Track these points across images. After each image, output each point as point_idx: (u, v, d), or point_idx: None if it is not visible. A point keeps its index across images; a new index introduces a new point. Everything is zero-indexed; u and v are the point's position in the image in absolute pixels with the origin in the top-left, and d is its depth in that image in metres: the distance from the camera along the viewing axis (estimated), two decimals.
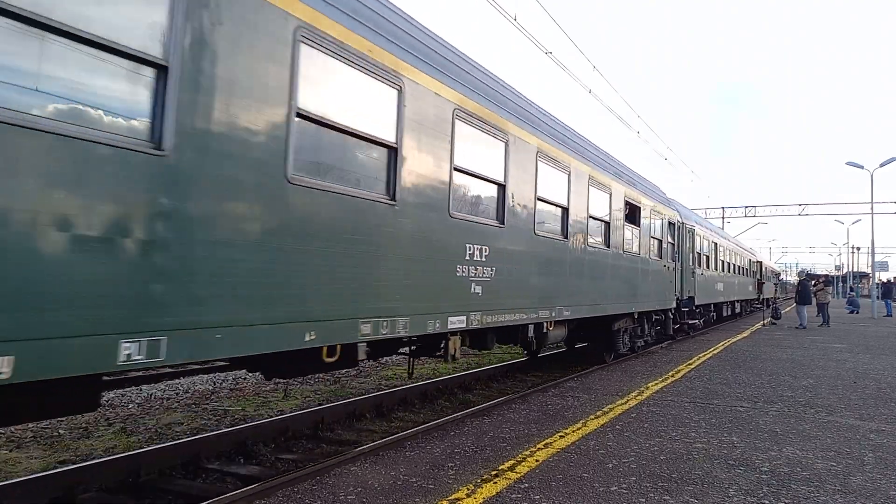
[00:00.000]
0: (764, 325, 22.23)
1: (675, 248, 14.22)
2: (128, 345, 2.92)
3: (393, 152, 4.84)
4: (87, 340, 2.77)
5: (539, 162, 7.33)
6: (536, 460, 4.89)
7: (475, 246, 5.96)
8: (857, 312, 32.80)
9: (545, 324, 7.64)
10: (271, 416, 6.84)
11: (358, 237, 4.47)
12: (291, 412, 6.96)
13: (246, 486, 4.33)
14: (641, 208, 11.40)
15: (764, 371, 10.24)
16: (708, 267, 17.88)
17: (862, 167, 29.69)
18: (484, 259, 6.08)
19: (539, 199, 7.31)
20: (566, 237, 8.08)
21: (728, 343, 15.21)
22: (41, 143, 2.60)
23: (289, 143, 3.89)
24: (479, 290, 6.00)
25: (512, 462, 4.84)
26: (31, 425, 6.48)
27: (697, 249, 16.46)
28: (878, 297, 31.24)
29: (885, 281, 35.23)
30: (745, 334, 18.14)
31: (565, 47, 61.07)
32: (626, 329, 11.29)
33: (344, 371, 10.29)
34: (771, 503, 4.08)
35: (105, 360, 2.84)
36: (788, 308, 36.66)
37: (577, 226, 8.41)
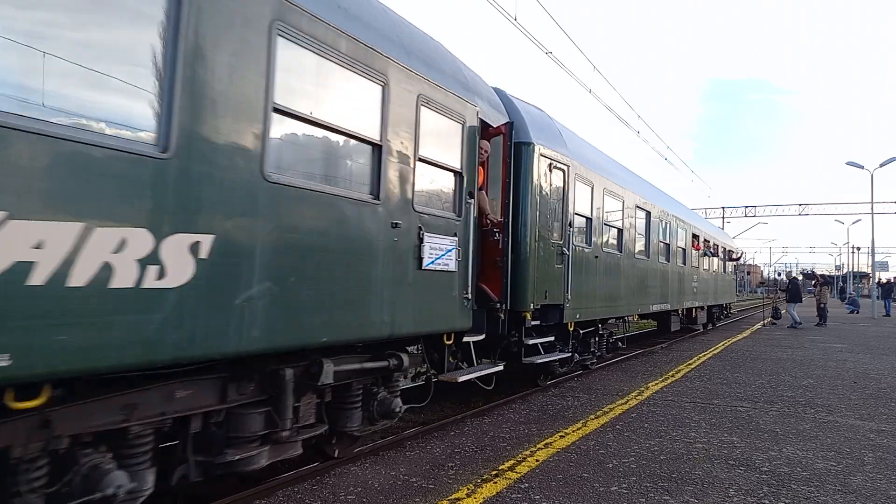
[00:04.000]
0: (764, 325, 22.25)
1: None
2: None
3: None
4: None
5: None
6: (536, 460, 4.89)
7: None
8: (858, 312, 32.80)
9: None
10: None
11: None
12: None
13: (246, 486, 4.33)
14: None
15: (764, 371, 10.24)
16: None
17: (862, 167, 29.69)
18: None
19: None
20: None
21: (728, 343, 15.21)
22: None
23: None
24: None
25: (512, 462, 4.85)
26: None
27: None
28: (878, 297, 31.25)
29: (885, 281, 35.21)
30: (745, 334, 18.14)
31: (565, 47, 61.12)
32: None
33: None
34: (771, 503, 4.08)
35: None
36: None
37: None
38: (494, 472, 4.57)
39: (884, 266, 65.68)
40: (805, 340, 16.16)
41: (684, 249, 14.92)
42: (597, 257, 9.04)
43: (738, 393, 8.13)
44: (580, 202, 8.54)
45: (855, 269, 69.66)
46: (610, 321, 10.23)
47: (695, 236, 16.21)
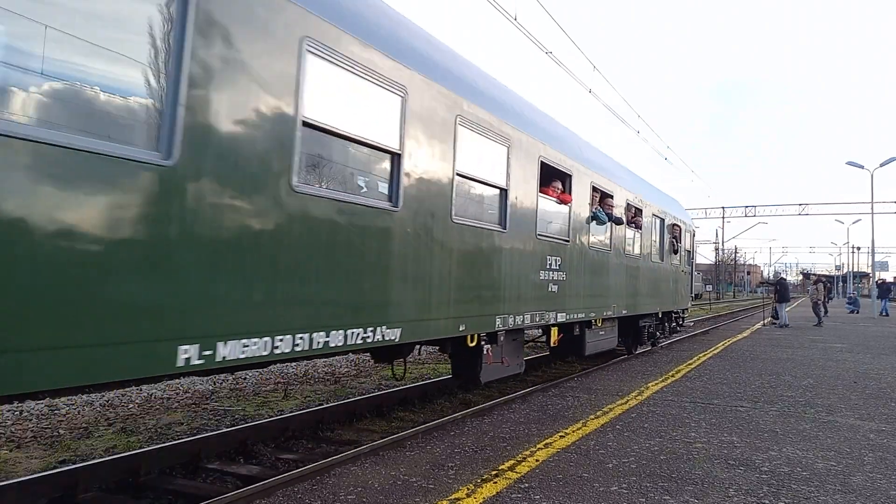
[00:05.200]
0: (764, 324, 22.26)
1: None
2: None
3: None
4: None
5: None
6: (536, 460, 4.89)
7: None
8: (858, 312, 32.81)
9: None
10: (271, 416, 6.84)
11: None
12: (291, 412, 6.96)
13: (246, 485, 4.33)
14: None
15: (764, 371, 10.24)
16: None
17: (862, 167, 29.72)
18: None
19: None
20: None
21: (728, 343, 15.21)
22: None
23: None
24: None
25: (512, 462, 4.85)
26: (30, 426, 6.48)
27: None
28: (876, 297, 31.28)
29: (882, 281, 35.20)
30: (745, 334, 18.14)
31: (565, 47, 61.06)
32: None
33: (344, 370, 10.28)
34: (771, 503, 4.08)
35: None
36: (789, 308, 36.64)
37: None
38: (494, 472, 4.57)
39: (884, 266, 65.76)
40: (805, 340, 16.17)
41: (515, 197, 6.55)
42: None
43: (738, 393, 8.12)
44: None
45: (855, 269, 69.77)
46: None
47: (561, 173, 7.86)
